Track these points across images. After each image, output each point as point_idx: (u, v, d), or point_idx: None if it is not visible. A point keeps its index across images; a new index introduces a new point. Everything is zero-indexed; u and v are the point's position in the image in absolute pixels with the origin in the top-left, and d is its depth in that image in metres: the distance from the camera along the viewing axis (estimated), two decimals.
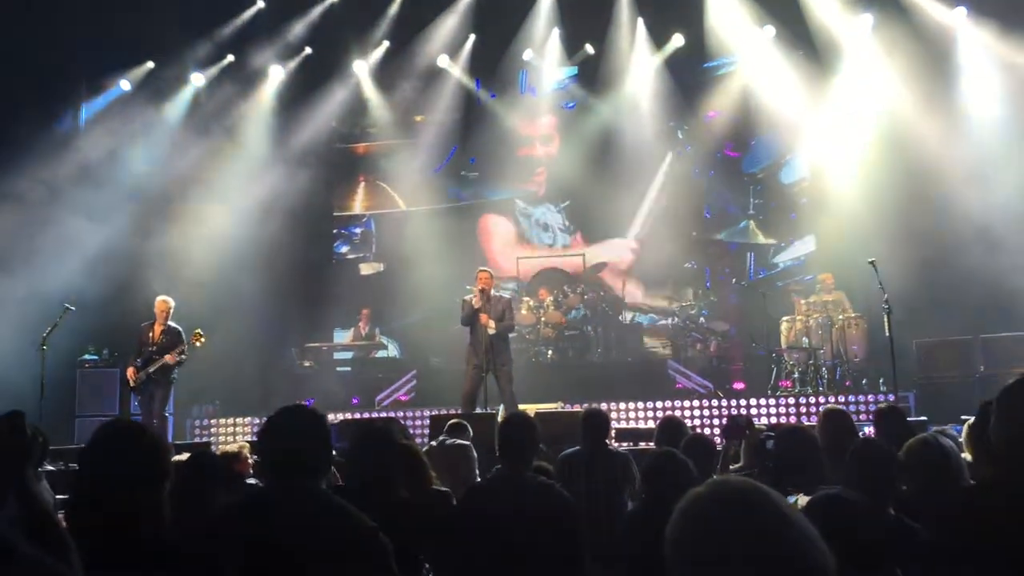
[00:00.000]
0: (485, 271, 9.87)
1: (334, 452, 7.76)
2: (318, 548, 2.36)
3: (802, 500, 3.99)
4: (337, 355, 14.03)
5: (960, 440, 4.17)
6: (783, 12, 12.99)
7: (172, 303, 9.97)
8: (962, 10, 12.16)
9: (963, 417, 6.99)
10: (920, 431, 4.41)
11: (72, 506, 2.67)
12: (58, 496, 4.76)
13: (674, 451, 4.23)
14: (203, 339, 9.96)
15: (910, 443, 3.59)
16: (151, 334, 9.82)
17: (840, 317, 11.66)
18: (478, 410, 9.24)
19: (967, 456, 3.92)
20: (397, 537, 3.69)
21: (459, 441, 6.36)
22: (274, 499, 2.60)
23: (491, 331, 9.47)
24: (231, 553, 2.41)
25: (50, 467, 8.60)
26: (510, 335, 10.13)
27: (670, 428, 5.75)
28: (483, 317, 9.49)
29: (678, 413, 10.38)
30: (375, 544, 2.48)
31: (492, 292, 9.83)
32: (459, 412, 8.99)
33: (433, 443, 6.39)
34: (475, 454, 6.30)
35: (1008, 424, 2.35)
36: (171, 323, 9.90)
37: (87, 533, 2.54)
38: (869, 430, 8.68)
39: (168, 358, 9.64)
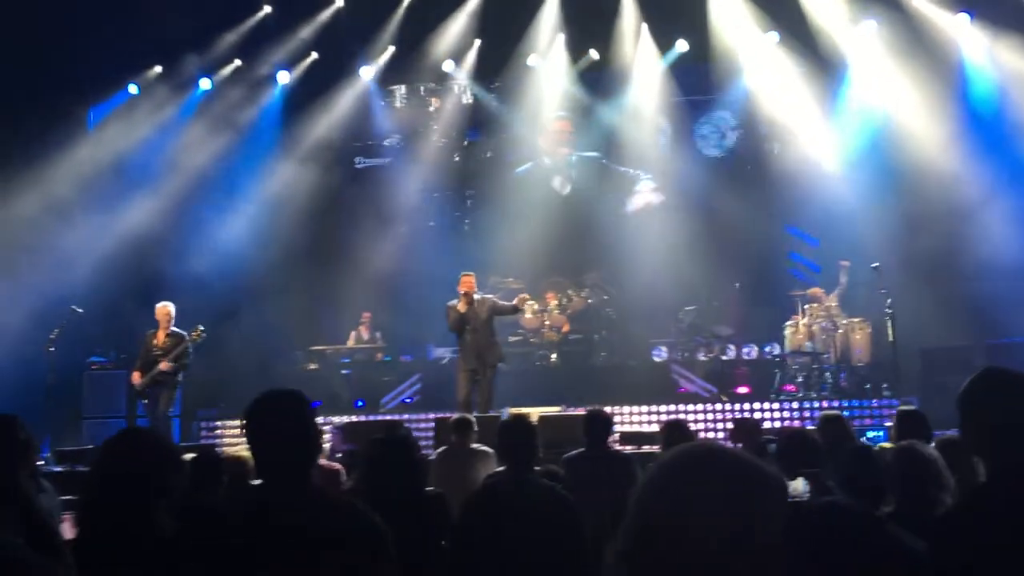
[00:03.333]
0: (468, 275, 9.73)
1: (340, 454, 7.70)
2: (313, 541, 2.37)
3: (799, 485, 4.05)
4: (342, 358, 14.02)
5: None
6: (787, 18, 13.02)
7: (173, 308, 9.98)
8: (965, 16, 12.18)
9: None
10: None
11: (84, 508, 2.72)
12: (64, 497, 4.77)
13: None
14: (203, 335, 9.96)
15: (893, 451, 3.54)
16: (155, 341, 9.85)
17: (843, 322, 11.69)
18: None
19: None
20: (422, 535, 3.75)
21: (484, 448, 6.30)
22: (269, 498, 2.58)
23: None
24: (232, 551, 2.43)
25: (57, 468, 8.69)
26: (512, 337, 10.18)
27: (675, 432, 5.78)
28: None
29: (681, 417, 10.40)
30: (374, 535, 2.46)
31: (475, 294, 9.73)
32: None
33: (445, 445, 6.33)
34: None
35: (987, 427, 2.28)
36: (175, 328, 9.92)
37: (99, 534, 2.59)
38: (872, 435, 8.73)
39: (162, 366, 9.67)
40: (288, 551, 2.33)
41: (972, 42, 12.24)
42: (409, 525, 3.69)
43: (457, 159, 15.17)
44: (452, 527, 4.03)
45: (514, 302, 10.02)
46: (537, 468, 4.34)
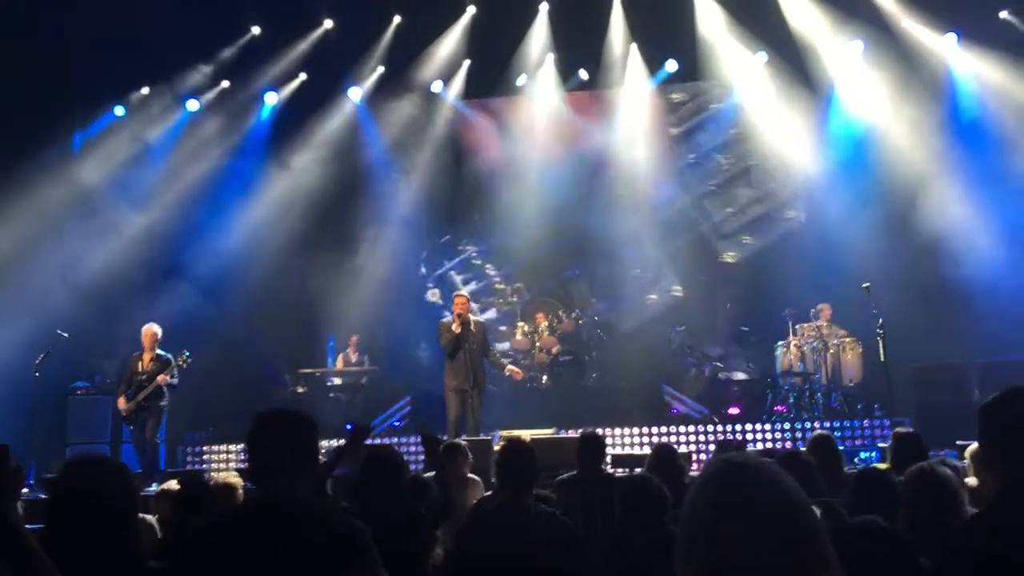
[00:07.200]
0: (461, 296, 9.82)
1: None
2: (298, 552, 2.35)
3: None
4: (330, 381, 13.90)
5: (959, 466, 4.15)
6: (775, 38, 13.06)
7: (159, 331, 9.94)
8: (952, 36, 12.25)
9: (959, 442, 6.99)
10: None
11: (47, 536, 2.68)
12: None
13: (649, 476, 4.21)
14: (189, 360, 9.90)
15: (908, 473, 3.52)
16: (140, 363, 9.79)
17: (834, 342, 11.65)
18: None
19: (972, 481, 3.89)
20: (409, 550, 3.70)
21: (472, 476, 6.22)
22: (253, 509, 2.60)
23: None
24: (213, 566, 2.41)
25: (42, 495, 8.55)
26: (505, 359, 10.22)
27: (662, 455, 5.71)
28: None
29: (673, 439, 10.37)
30: (357, 541, 2.47)
31: (470, 316, 9.76)
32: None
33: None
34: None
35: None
36: (160, 351, 9.87)
37: (65, 561, 2.55)
38: (865, 455, 8.68)
39: (160, 378, 9.60)
40: (270, 557, 2.34)
41: (959, 62, 12.30)
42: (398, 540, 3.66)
43: (441, 176, 15.05)
44: (450, 553, 3.97)
45: (505, 372, 10.05)
46: None
